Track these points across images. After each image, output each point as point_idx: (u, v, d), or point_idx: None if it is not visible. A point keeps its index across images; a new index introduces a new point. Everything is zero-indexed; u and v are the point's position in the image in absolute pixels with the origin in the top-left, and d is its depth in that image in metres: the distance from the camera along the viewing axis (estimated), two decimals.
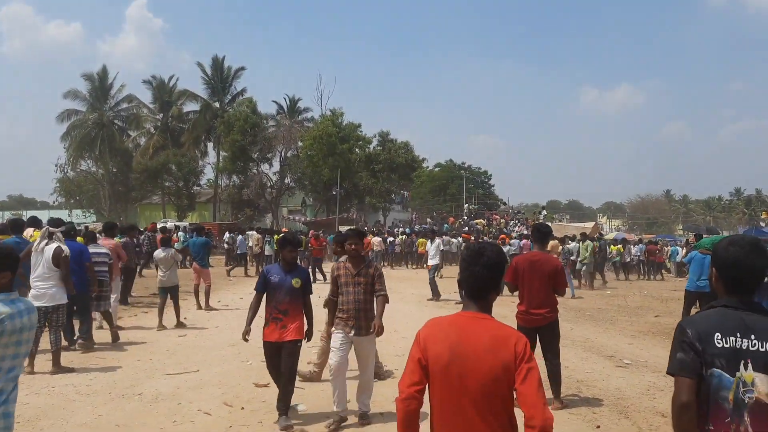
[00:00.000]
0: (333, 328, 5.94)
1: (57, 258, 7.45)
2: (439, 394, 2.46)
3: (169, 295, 11.53)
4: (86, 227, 16.63)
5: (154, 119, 53.57)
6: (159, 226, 26.68)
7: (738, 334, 2.31)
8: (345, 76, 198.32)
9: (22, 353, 3.08)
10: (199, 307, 13.58)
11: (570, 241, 24.88)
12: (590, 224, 40.35)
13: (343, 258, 6.40)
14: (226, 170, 49.20)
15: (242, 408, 6.41)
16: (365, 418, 5.92)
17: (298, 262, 18.96)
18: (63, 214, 54.34)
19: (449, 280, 19.75)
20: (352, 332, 5.80)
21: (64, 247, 7.63)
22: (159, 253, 11.98)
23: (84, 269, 8.58)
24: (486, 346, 2.39)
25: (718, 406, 2.30)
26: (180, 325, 11.32)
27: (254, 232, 27.02)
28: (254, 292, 5.99)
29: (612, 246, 27.44)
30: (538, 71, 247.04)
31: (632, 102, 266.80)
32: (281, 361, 5.74)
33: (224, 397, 6.79)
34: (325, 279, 19.54)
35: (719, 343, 2.31)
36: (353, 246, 5.93)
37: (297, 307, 5.85)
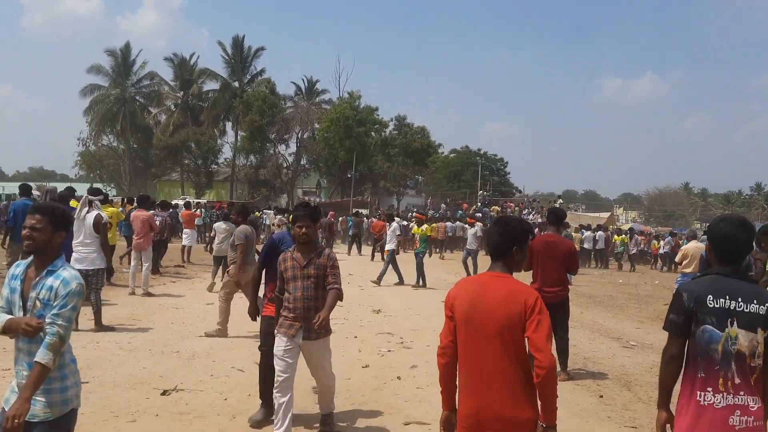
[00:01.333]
0: (276, 331, 4.83)
1: (98, 225, 8.00)
2: (463, 341, 2.91)
3: (222, 262, 12.52)
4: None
5: (174, 97, 54.20)
6: (182, 202, 27.42)
7: (727, 297, 2.77)
8: (363, 58, 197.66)
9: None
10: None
11: (584, 230, 25.28)
12: (606, 215, 40.46)
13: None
14: (244, 150, 49.79)
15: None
16: (329, 424, 5.09)
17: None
18: (84, 188, 55.34)
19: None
20: (300, 336, 4.69)
21: (104, 215, 8.18)
22: (220, 225, 13.09)
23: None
24: (501, 300, 2.80)
25: (709, 356, 2.76)
26: (212, 287, 12.64)
27: (271, 212, 27.64)
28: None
29: (616, 236, 27.29)
30: (560, 60, 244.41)
31: (655, 92, 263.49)
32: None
33: (254, 357, 7.26)
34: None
35: (711, 304, 2.76)
36: (303, 230, 4.70)
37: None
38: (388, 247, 16.27)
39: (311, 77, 55.04)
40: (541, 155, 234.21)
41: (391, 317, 10.79)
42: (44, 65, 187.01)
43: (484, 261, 19.01)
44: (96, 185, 54.94)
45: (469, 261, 18.08)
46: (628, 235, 27.40)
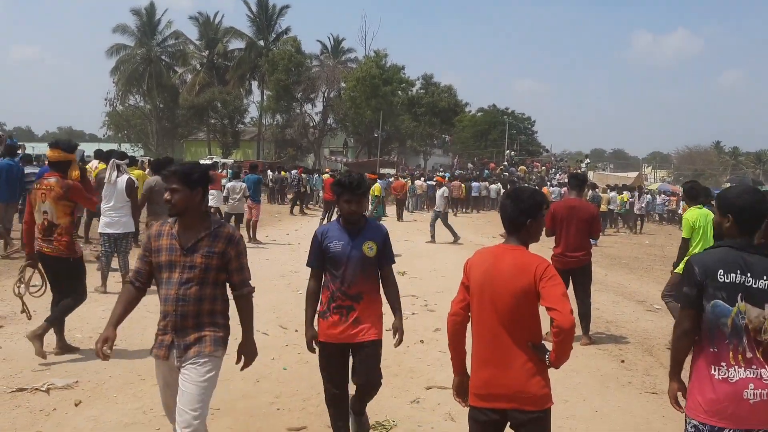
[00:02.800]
0: (150, 352, 3.42)
1: (130, 188, 8.12)
2: (476, 310, 2.96)
3: (234, 218, 13.60)
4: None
5: (200, 56, 54.12)
6: (210, 162, 27.64)
7: (738, 271, 2.74)
8: (390, 17, 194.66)
9: None
10: (249, 240, 14.39)
11: (611, 191, 24.92)
12: (633, 174, 39.78)
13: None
14: (270, 109, 49.77)
15: (296, 330, 7.05)
16: None
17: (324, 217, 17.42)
18: (112, 148, 56.08)
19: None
20: (174, 356, 3.26)
21: (134, 178, 8.31)
22: (233, 184, 13.87)
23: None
24: (511, 272, 2.83)
25: (719, 331, 2.74)
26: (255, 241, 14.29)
27: (296, 171, 27.76)
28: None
29: (618, 195, 25.49)
30: (589, 14, 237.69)
31: (688, 48, 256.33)
32: (354, 370, 3.98)
33: (279, 321, 7.46)
34: None
35: (722, 279, 2.73)
36: (172, 196, 3.22)
37: (374, 288, 3.97)
38: (438, 209, 17.03)
39: (337, 36, 54.46)
40: (569, 114, 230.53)
41: (417, 279, 10.86)
42: (71, 25, 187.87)
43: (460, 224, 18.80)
44: (124, 145, 55.78)
45: (438, 224, 16.99)
46: (637, 194, 25.69)
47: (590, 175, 40.21)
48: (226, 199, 14.26)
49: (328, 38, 54.87)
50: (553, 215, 6.92)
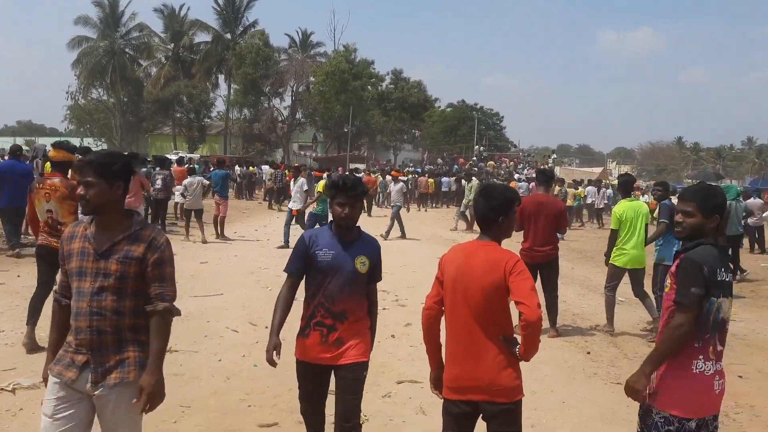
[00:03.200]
0: (48, 370, 2.83)
1: None
2: (450, 305, 3.03)
3: (193, 215, 13.76)
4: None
5: (165, 49, 53.26)
6: (175, 157, 27.28)
7: (723, 268, 2.84)
8: (359, 11, 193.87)
9: None
10: (217, 236, 14.26)
11: (578, 186, 25.29)
12: (598, 170, 40.53)
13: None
14: (237, 103, 49.27)
15: (266, 327, 6.95)
16: None
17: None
18: (74, 142, 54.79)
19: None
20: (84, 381, 2.72)
21: None
22: (189, 180, 13.84)
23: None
24: (483, 267, 2.90)
25: (705, 327, 2.81)
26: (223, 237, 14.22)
27: (267, 167, 27.56)
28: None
29: (572, 190, 24.99)
30: (557, 10, 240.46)
31: (652, 45, 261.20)
32: (336, 396, 3.47)
33: (248, 318, 7.43)
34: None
35: (720, 277, 2.81)
36: (86, 191, 2.75)
37: (360, 307, 3.53)
38: (396, 203, 17.05)
39: (306, 29, 54.17)
40: (536, 109, 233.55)
41: (388, 274, 10.74)
42: (28, 15, 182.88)
43: (411, 218, 19.00)
44: (86, 140, 54.60)
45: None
46: (596, 188, 25.18)
47: (557, 170, 40.80)
48: (183, 195, 14.30)
49: (297, 32, 54.60)
50: (522, 210, 7.01)
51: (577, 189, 25.27)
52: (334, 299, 3.41)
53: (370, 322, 3.62)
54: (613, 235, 7.38)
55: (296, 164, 21.09)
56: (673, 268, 2.88)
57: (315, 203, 13.76)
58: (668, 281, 2.89)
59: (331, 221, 3.54)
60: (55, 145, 6.15)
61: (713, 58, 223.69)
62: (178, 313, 2.89)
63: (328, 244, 3.45)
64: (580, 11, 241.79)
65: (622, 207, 7.41)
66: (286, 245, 13.26)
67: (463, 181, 24.22)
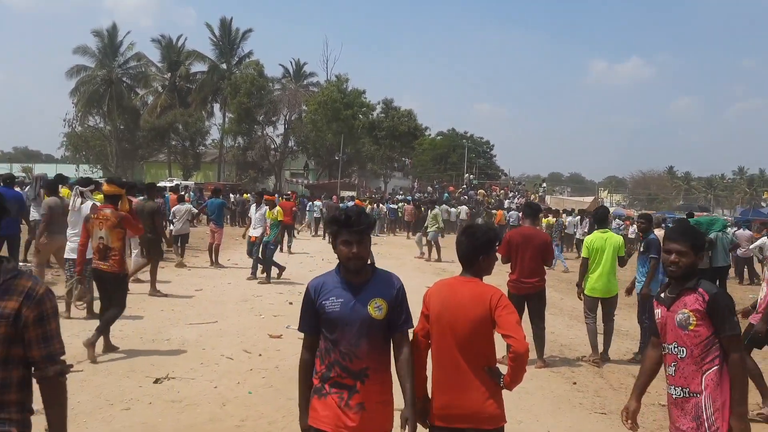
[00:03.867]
0: None
1: None
2: (435, 338, 3.18)
3: (180, 240, 14.21)
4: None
5: (162, 78, 53.77)
6: (170, 185, 27.49)
7: None
8: (351, 41, 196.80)
9: None
10: (212, 264, 14.41)
11: (567, 215, 25.53)
12: (589, 199, 40.94)
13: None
14: (232, 132, 49.70)
15: (260, 355, 7.20)
16: None
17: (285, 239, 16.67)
18: (70, 169, 55.04)
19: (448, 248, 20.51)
20: None
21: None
22: (178, 207, 14.25)
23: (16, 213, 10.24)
24: (467, 302, 3.07)
25: None
26: (180, 265, 13.89)
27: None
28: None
29: (543, 219, 23.90)
30: (547, 40, 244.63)
31: (641, 75, 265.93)
32: None
33: (243, 345, 7.58)
34: (290, 250, 18.86)
35: None
36: None
37: (384, 361, 3.01)
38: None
39: (299, 60, 54.93)
40: (527, 138, 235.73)
41: None
42: (28, 43, 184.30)
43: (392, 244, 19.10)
44: (82, 167, 54.80)
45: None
46: (579, 218, 24.27)
47: (547, 198, 41.27)
48: (171, 221, 14.54)
49: (290, 62, 55.32)
50: (509, 243, 7.25)
51: (547, 217, 24.15)
52: (352, 355, 2.91)
53: (404, 378, 2.99)
54: (584, 263, 7.83)
55: (260, 190, 20.31)
56: (698, 306, 3.05)
57: (267, 230, 12.92)
58: (693, 319, 3.06)
59: (338, 265, 3.05)
60: (107, 181, 7.22)
61: (702, 87, 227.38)
62: (68, 370, 2.37)
63: (336, 291, 2.97)
64: (570, 42, 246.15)
65: (592, 237, 7.87)
66: (254, 277, 12.89)
67: (422, 208, 24.34)
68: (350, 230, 2.92)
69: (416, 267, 17.17)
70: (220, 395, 5.78)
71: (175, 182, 35.62)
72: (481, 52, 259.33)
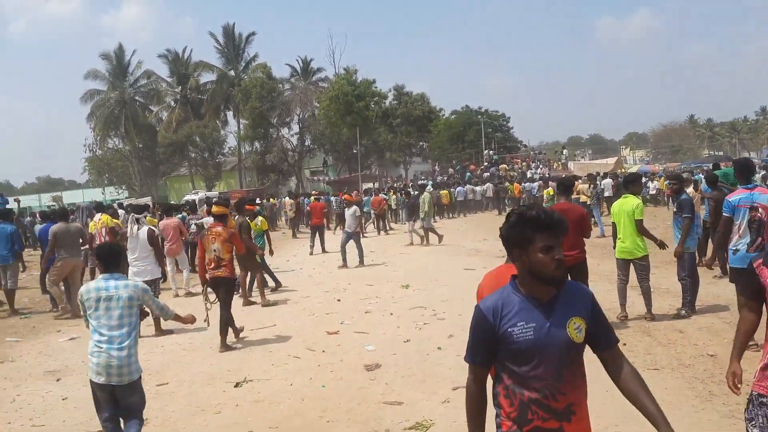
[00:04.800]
0: None
1: (151, 238, 8.73)
2: None
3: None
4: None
5: (173, 92, 54.65)
6: (197, 197, 28.14)
7: None
8: (355, 31, 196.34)
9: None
10: None
11: (600, 180, 25.21)
12: (612, 160, 40.70)
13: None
14: (248, 137, 50.25)
15: (323, 351, 7.67)
16: None
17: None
18: (96, 193, 56.42)
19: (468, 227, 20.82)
20: None
21: (155, 228, 8.91)
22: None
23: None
24: None
25: None
26: None
27: (287, 198, 28.35)
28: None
29: (545, 190, 24.30)
30: (550, 2, 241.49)
31: (651, 26, 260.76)
32: None
33: (305, 344, 8.06)
34: (324, 249, 18.64)
35: None
36: None
37: (585, 392, 2.50)
38: (349, 229, 15.81)
39: (305, 57, 55.14)
40: (541, 106, 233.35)
41: (421, 290, 11.46)
42: (35, 71, 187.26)
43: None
44: (108, 189, 56.06)
45: (350, 244, 15.71)
46: (612, 181, 24.22)
47: (570, 165, 41.18)
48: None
49: (297, 60, 55.56)
50: None
51: (547, 187, 24.03)
52: (555, 391, 2.37)
53: (642, 395, 2.40)
54: (613, 228, 8.40)
55: (247, 198, 17.23)
56: None
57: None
58: None
59: (513, 278, 2.58)
60: (216, 202, 9.03)
61: (714, 30, 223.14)
62: None
63: (523, 313, 2.42)
64: (574, 2, 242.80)
65: (616, 203, 8.42)
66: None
67: (413, 192, 23.22)
68: (550, 231, 2.42)
69: (469, 252, 17.52)
70: (297, 392, 6.25)
71: (200, 194, 36.40)
72: (483, 23, 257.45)
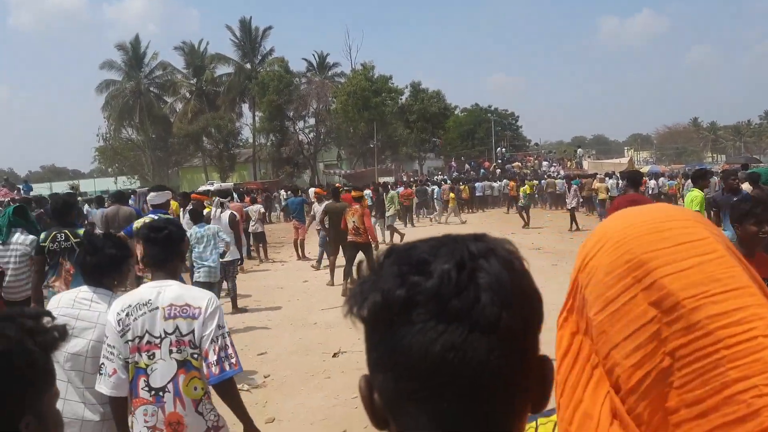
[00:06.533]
0: None
1: (232, 222, 9.24)
2: None
3: (254, 239, 15.26)
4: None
5: (188, 84, 55.04)
6: (202, 189, 28.43)
7: None
8: (370, 26, 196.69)
9: None
10: (298, 257, 15.43)
11: (609, 178, 25.70)
12: (625, 160, 41.22)
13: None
14: (264, 130, 50.67)
15: None
16: None
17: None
18: (108, 182, 56.77)
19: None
20: None
21: (236, 213, 9.41)
22: (251, 207, 15.32)
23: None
24: None
25: None
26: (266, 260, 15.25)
27: (312, 189, 28.71)
28: None
29: (521, 187, 23.91)
30: (552, 4, 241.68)
31: (655, 28, 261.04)
32: None
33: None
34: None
35: None
36: None
37: None
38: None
39: (322, 51, 55.49)
40: (545, 105, 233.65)
41: None
42: (37, 62, 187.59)
43: None
44: (120, 178, 56.43)
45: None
46: (566, 184, 24.28)
47: (585, 164, 41.68)
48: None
49: (313, 55, 55.93)
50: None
51: (524, 186, 23.65)
52: None
53: None
54: None
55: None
56: None
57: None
58: None
59: None
60: (354, 188, 12.46)
61: (717, 33, 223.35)
62: None
63: None
64: (577, 1, 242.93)
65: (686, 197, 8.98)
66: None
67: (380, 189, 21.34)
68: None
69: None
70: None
71: (215, 185, 36.71)
72: (489, 23, 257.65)
